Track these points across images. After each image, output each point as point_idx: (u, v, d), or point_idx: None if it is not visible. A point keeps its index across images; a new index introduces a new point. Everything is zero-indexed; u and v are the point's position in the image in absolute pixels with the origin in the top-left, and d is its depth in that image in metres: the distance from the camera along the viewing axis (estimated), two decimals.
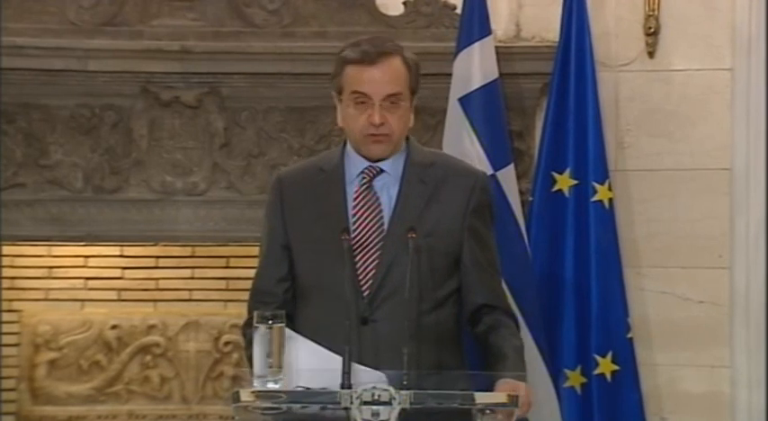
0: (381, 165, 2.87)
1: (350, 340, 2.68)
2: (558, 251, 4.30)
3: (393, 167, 2.87)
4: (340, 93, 2.87)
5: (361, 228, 2.82)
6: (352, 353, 2.57)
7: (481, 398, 2.49)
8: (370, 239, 2.82)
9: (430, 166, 2.88)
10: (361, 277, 2.80)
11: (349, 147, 2.90)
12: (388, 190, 2.86)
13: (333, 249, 2.78)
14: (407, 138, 2.92)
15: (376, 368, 2.59)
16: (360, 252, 2.81)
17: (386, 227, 2.82)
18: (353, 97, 2.82)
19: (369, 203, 2.85)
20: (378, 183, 2.86)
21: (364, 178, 2.86)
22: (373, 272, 2.80)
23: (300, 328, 2.82)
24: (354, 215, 2.83)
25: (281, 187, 2.94)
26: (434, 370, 2.73)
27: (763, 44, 4.33)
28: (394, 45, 2.86)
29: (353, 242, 2.80)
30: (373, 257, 2.81)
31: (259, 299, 2.91)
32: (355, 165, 2.88)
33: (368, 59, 2.80)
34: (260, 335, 2.54)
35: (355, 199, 2.85)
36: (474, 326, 2.89)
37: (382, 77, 2.79)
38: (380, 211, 2.84)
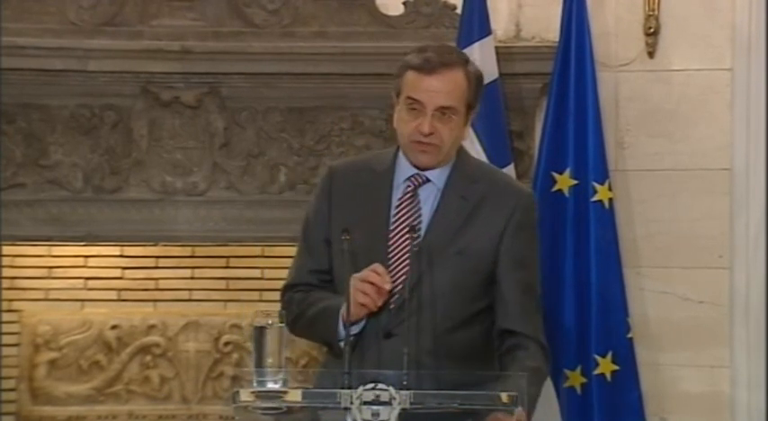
0: (428, 174, 2.84)
1: (375, 352, 2.69)
2: (558, 251, 4.29)
3: (440, 178, 2.84)
4: (398, 95, 2.82)
5: (397, 237, 2.79)
6: (374, 365, 2.58)
7: (481, 398, 2.49)
8: (404, 250, 2.78)
9: (474, 182, 2.84)
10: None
11: (401, 150, 2.88)
12: (431, 201, 2.83)
13: (368, 254, 2.75)
14: (459, 150, 2.88)
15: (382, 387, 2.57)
16: (393, 261, 2.78)
17: (421, 239, 2.78)
18: (408, 103, 2.78)
19: (410, 213, 2.82)
20: (423, 192, 2.83)
21: (409, 186, 2.83)
22: (401, 286, 2.76)
23: None
24: (394, 222, 2.81)
25: (331, 180, 2.90)
26: (461, 387, 2.63)
27: (763, 44, 4.33)
28: (459, 56, 2.84)
29: (389, 251, 2.77)
30: (404, 268, 2.77)
31: (294, 289, 2.88)
32: (404, 170, 2.85)
33: (428, 67, 2.76)
34: (260, 334, 2.54)
35: (398, 206, 2.82)
36: (497, 351, 2.86)
37: (439, 88, 2.75)
38: (419, 223, 2.81)
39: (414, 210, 2.82)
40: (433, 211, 2.82)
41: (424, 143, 2.78)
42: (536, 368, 2.76)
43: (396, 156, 2.88)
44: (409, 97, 2.77)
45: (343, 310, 2.72)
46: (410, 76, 2.79)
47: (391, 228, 2.81)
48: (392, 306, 2.77)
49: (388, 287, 2.70)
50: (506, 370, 2.75)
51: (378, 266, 2.72)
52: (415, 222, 2.80)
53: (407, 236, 2.77)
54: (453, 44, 2.89)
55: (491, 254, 2.80)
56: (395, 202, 2.83)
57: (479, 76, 2.85)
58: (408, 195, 2.83)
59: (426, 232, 2.80)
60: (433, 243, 2.77)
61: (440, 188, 2.84)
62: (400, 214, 2.82)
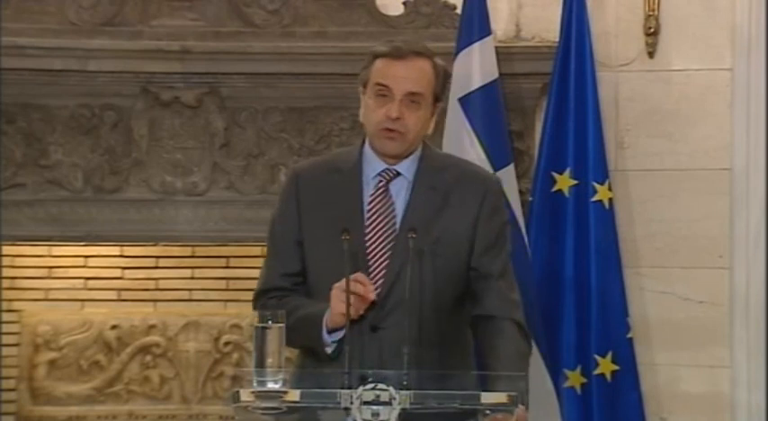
0: (398, 167, 2.86)
1: (361, 347, 2.67)
2: (558, 251, 4.30)
3: (409, 171, 2.86)
4: (365, 85, 2.85)
5: (373, 232, 2.81)
6: (361, 360, 2.58)
7: (481, 398, 2.49)
8: (382, 245, 2.80)
9: (442, 172, 2.87)
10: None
11: (367, 146, 2.88)
12: (402, 194, 2.85)
13: (344, 252, 2.74)
14: (423, 142, 2.90)
15: (383, 375, 2.57)
16: (372, 257, 2.79)
17: (397, 233, 2.80)
18: (376, 89, 2.81)
19: (383, 208, 2.83)
20: (393, 187, 2.85)
21: (380, 181, 2.85)
22: (383, 279, 2.78)
23: None
24: (368, 219, 2.82)
25: (297, 182, 2.91)
26: (441, 368, 2.73)
27: (763, 44, 4.33)
28: (426, 48, 2.87)
29: (367, 247, 2.78)
30: (383, 263, 2.79)
31: (267, 295, 2.89)
32: (372, 166, 2.86)
33: (397, 54, 2.81)
34: (260, 334, 2.54)
35: (370, 203, 2.83)
36: (475, 337, 2.88)
37: (407, 74, 2.79)
38: (394, 217, 2.82)
39: (387, 206, 2.84)
40: (406, 204, 2.83)
41: (392, 130, 2.80)
42: (519, 353, 2.78)
43: (361, 152, 2.89)
44: (378, 83, 2.80)
45: (326, 317, 2.73)
46: (378, 63, 2.83)
47: (366, 224, 2.81)
48: (376, 305, 2.77)
49: (372, 297, 2.71)
50: (486, 358, 2.77)
51: (360, 275, 2.72)
52: (391, 217, 2.82)
53: (389, 233, 2.79)
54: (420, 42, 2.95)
55: (467, 240, 2.83)
56: (367, 199, 2.84)
57: (447, 72, 2.90)
58: (380, 191, 2.85)
59: (401, 225, 2.81)
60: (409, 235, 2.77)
61: (410, 180, 2.86)
62: (374, 210, 2.83)
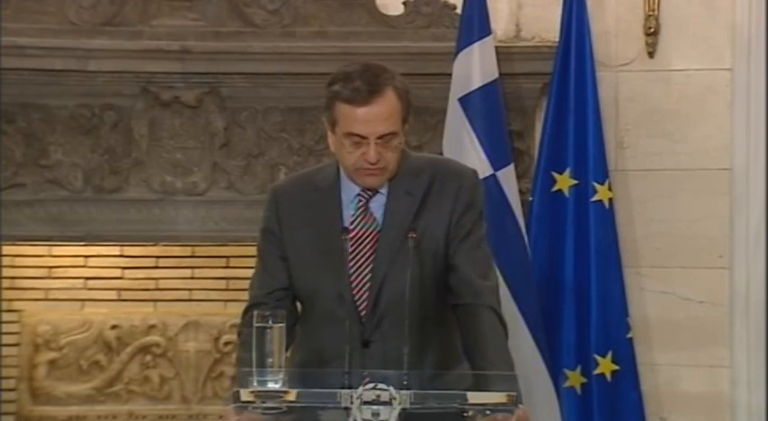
0: None
1: (352, 364, 2.63)
2: (558, 251, 4.30)
3: (385, 185, 2.85)
4: (332, 124, 2.81)
5: (356, 248, 2.81)
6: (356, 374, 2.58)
7: (481, 398, 2.49)
8: (365, 262, 2.82)
9: (418, 176, 2.86)
10: (356, 296, 2.80)
11: (343, 170, 2.88)
12: (382, 208, 2.85)
13: (329, 271, 2.78)
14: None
15: (383, 375, 2.56)
16: (354, 274, 2.80)
17: (378, 244, 2.82)
18: (348, 137, 2.77)
19: (366, 226, 2.84)
20: (373, 204, 2.85)
21: (360, 201, 2.85)
22: (367, 292, 2.80)
23: (303, 344, 2.88)
24: (351, 238, 2.81)
25: (277, 201, 2.92)
26: (434, 369, 2.75)
27: (763, 44, 4.33)
28: (385, 77, 2.77)
29: (350, 266, 2.78)
30: (366, 275, 2.81)
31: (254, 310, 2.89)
32: (350, 187, 2.86)
33: (360, 99, 2.73)
34: (260, 335, 2.54)
35: (352, 222, 2.83)
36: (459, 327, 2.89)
37: (376, 117, 2.74)
38: (377, 233, 2.83)
39: (369, 223, 2.84)
40: (383, 216, 2.84)
41: (371, 169, 2.78)
42: (504, 345, 2.76)
43: (338, 171, 2.88)
44: (349, 133, 2.76)
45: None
46: (344, 109, 2.76)
47: (350, 243, 2.79)
48: (363, 312, 2.80)
49: None
50: (473, 353, 2.77)
51: None
52: (374, 234, 2.82)
53: (371, 248, 2.80)
54: (376, 63, 2.85)
55: (444, 238, 2.83)
56: (348, 219, 2.84)
57: (407, 89, 2.82)
58: (361, 210, 2.85)
59: (380, 237, 2.81)
60: (390, 244, 2.79)
61: (386, 192, 2.85)
62: (356, 229, 2.83)
